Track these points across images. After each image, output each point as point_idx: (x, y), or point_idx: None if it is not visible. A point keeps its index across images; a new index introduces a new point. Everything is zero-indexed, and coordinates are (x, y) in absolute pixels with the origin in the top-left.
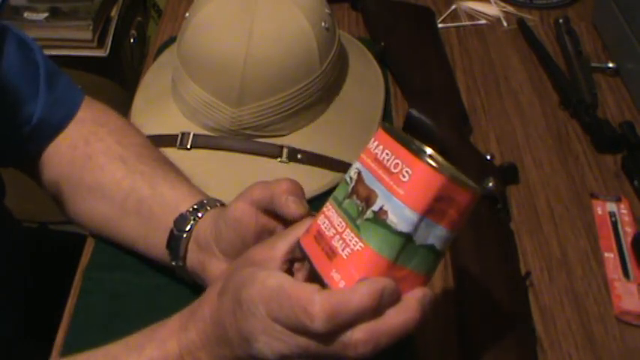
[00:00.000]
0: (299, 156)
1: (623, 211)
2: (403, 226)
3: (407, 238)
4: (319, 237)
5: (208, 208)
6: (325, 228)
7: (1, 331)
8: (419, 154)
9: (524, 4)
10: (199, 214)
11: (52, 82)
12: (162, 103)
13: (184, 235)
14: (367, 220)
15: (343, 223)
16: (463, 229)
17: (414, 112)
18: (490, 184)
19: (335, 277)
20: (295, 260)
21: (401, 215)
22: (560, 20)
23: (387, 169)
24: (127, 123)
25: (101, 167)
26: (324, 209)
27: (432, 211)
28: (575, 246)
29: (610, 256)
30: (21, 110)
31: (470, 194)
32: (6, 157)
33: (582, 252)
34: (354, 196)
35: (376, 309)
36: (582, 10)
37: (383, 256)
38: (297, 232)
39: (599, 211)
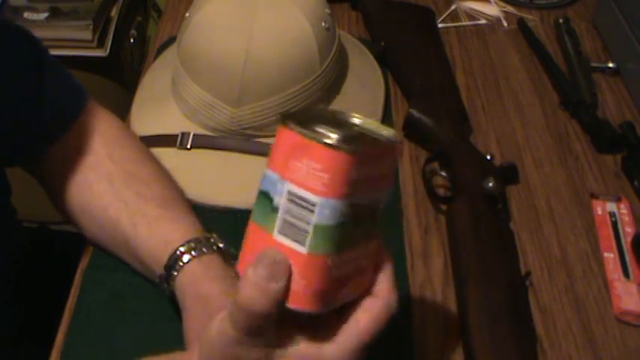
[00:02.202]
0: None
1: (623, 211)
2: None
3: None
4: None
5: (193, 253)
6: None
7: (1, 331)
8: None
9: (524, 4)
10: (184, 259)
11: (56, 84)
12: (162, 103)
13: (172, 284)
14: None
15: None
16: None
17: (414, 112)
18: (490, 184)
19: None
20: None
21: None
22: (560, 20)
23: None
24: (123, 132)
25: (90, 187)
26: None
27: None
28: (575, 246)
29: (610, 256)
30: (22, 111)
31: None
32: (10, 157)
33: (582, 252)
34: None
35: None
36: (582, 10)
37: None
38: None
39: (599, 211)
